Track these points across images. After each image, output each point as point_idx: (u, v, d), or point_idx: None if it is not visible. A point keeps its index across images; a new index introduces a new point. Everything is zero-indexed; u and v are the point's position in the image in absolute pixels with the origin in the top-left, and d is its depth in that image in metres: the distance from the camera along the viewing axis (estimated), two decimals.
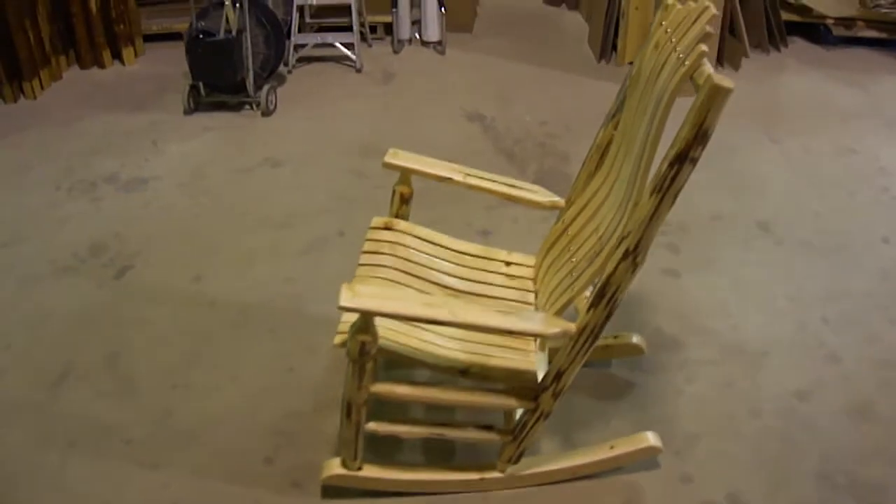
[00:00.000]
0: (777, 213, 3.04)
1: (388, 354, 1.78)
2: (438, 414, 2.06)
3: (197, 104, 3.91)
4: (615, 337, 2.34)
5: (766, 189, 3.20)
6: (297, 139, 3.69)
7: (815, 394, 2.26)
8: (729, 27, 4.02)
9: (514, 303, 2.07)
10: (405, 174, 2.17)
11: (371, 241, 2.15)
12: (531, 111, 3.81)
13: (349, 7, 4.25)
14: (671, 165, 1.43)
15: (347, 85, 4.21)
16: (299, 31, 4.44)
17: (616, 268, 1.57)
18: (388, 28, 4.56)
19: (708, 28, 1.52)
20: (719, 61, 4.05)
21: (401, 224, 2.19)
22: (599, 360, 2.37)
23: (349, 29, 4.27)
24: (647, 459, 2.04)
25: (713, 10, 1.57)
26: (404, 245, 2.14)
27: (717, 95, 1.36)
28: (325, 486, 2.00)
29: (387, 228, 2.18)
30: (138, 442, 2.18)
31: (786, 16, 4.26)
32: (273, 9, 4.02)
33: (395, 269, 2.07)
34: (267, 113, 3.87)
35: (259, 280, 2.78)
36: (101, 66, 4.46)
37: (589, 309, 1.64)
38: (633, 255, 1.54)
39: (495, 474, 1.98)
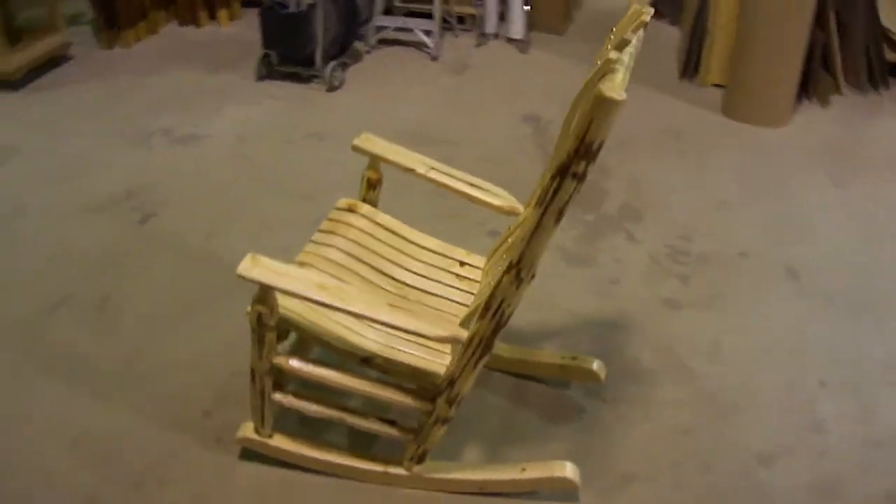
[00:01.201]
0: (811, 261, 2.79)
1: (291, 326, 1.77)
2: (351, 401, 2.02)
3: (269, 72, 4.03)
4: (573, 358, 2.23)
5: (809, 234, 2.95)
6: (351, 117, 3.73)
7: (780, 461, 2.06)
8: (823, 60, 3.71)
9: (454, 304, 2.02)
10: (374, 160, 2.15)
11: (330, 221, 2.14)
12: None
13: None
14: (552, 178, 1.34)
15: (419, 72, 4.22)
16: (387, 13, 4.49)
17: (500, 280, 1.49)
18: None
19: (628, 35, 1.41)
20: (805, 94, 3.76)
21: (364, 208, 2.17)
22: (556, 378, 2.27)
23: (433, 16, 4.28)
24: (565, 492, 1.93)
25: (646, 16, 1.46)
26: (361, 230, 2.12)
27: (601, 106, 1.25)
28: (245, 448, 2.03)
29: (350, 210, 2.17)
30: (100, 374, 2.29)
31: (892, 56, 3.88)
32: None
33: (345, 251, 2.05)
34: (331, 89, 3.94)
35: (267, 247, 2.83)
36: (197, 25, 4.68)
37: (478, 320, 1.57)
38: (516, 269, 1.46)
39: (400, 471, 1.94)
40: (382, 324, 1.60)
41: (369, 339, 1.80)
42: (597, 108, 1.25)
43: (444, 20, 4.48)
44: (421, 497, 1.95)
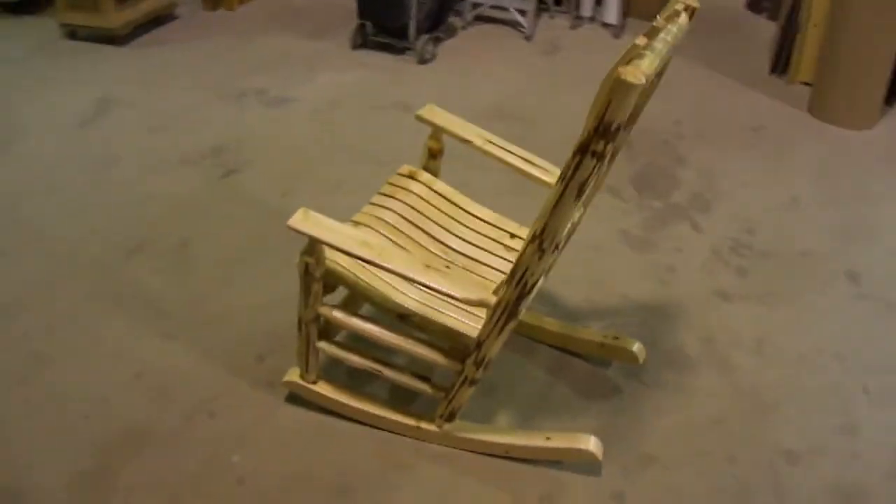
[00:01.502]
0: (874, 267, 2.73)
1: (336, 279, 1.89)
2: (392, 358, 2.12)
3: (364, 41, 4.17)
4: (615, 338, 2.27)
5: (877, 240, 2.87)
6: (438, 90, 3.83)
7: (807, 460, 2.06)
8: None
9: (498, 273, 2.09)
10: (435, 130, 2.23)
11: (390, 185, 2.25)
12: (674, 108, 3.66)
13: None
14: (574, 155, 1.39)
15: (511, 50, 4.27)
16: None
17: (524, 250, 1.56)
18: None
19: (659, 22, 1.43)
20: (893, 100, 3.62)
21: (424, 176, 2.27)
22: (597, 356, 2.32)
23: None
24: (589, 465, 1.99)
25: (681, 5, 1.49)
26: (418, 195, 2.22)
27: (618, 88, 1.30)
28: (291, 393, 2.17)
29: (410, 177, 2.27)
30: (168, 314, 2.48)
31: None
32: None
33: (401, 215, 2.15)
34: (422, 61, 4.04)
35: (336, 206, 2.94)
36: None
37: (504, 287, 1.65)
38: (538, 240, 1.52)
39: (431, 427, 2.04)
40: (417, 283, 1.70)
41: (410, 298, 1.90)
42: (615, 91, 1.30)
43: (541, 1, 4.51)
44: (449, 454, 2.04)
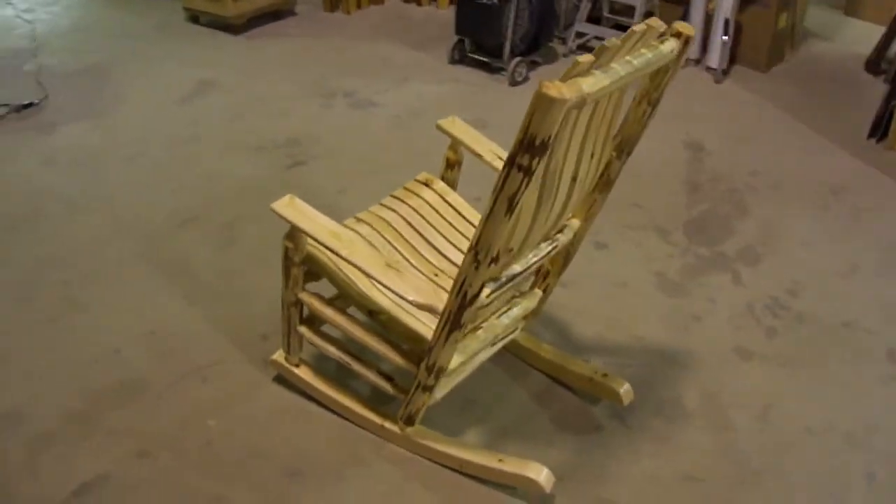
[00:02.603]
0: None
1: (316, 265, 1.96)
2: (365, 354, 2.13)
3: (461, 57, 4.25)
4: (605, 375, 2.21)
5: None
6: (519, 112, 3.81)
7: None
8: None
9: None
10: (454, 142, 2.27)
11: (404, 189, 2.30)
12: (754, 159, 3.50)
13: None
14: (503, 166, 1.40)
15: None
16: (594, 21, 4.52)
17: (463, 262, 1.57)
18: None
19: (610, 42, 1.40)
20: None
21: (438, 184, 2.31)
22: (585, 391, 2.27)
23: None
24: (541, 497, 1.95)
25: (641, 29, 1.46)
26: (428, 202, 2.26)
27: (539, 102, 1.29)
28: (280, 375, 2.26)
29: (425, 184, 2.31)
30: (197, 282, 2.64)
31: None
32: None
33: (404, 218, 2.20)
34: (513, 83, 4.07)
35: None
36: (419, 3, 5.04)
37: (449, 296, 1.66)
38: (474, 251, 1.53)
39: (394, 428, 2.07)
40: (374, 280, 1.74)
41: (385, 297, 1.94)
42: (536, 104, 1.30)
43: None
44: (407, 458, 2.06)
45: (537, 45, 4.17)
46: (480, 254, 1.52)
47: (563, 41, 4.50)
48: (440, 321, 1.70)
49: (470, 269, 1.56)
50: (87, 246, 2.81)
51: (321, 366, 2.25)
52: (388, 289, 1.71)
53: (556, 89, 1.27)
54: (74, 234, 2.86)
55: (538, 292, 2.16)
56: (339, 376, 2.24)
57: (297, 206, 1.85)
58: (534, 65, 4.26)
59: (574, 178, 1.64)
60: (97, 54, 4.33)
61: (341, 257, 1.77)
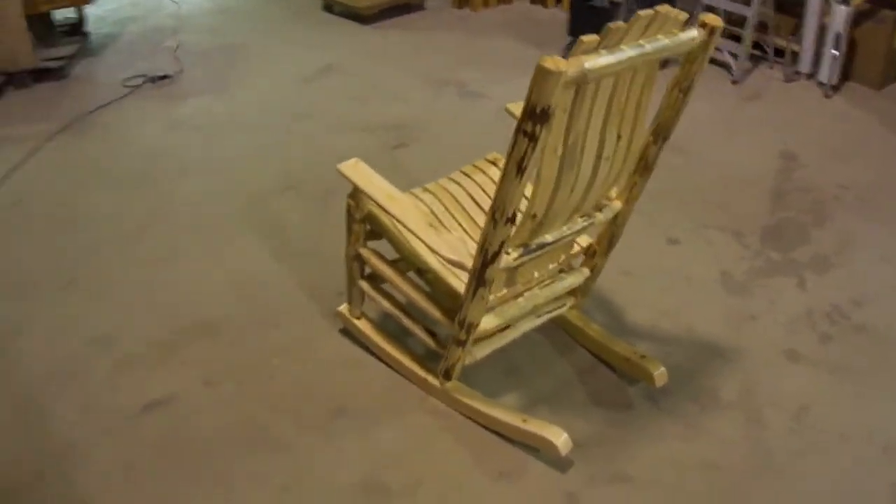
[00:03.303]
0: None
1: (375, 223, 2.17)
2: (415, 311, 2.27)
3: None
4: (642, 356, 2.31)
5: None
6: None
7: None
8: None
9: None
10: None
11: (473, 166, 2.48)
12: (847, 172, 3.44)
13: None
14: (514, 133, 1.55)
15: (711, 89, 4.21)
16: None
17: (486, 224, 1.73)
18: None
19: (618, 25, 1.52)
20: None
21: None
22: (623, 370, 2.36)
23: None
24: (559, 460, 2.07)
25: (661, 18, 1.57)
26: (492, 179, 2.42)
27: (538, 73, 1.43)
28: (344, 328, 2.50)
29: (493, 163, 2.48)
30: (288, 241, 2.93)
31: None
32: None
33: (467, 191, 2.37)
34: None
35: None
36: (545, 5, 5.21)
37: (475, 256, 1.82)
38: (493, 212, 1.69)
39: (434, 382, 2.25)
40: (415, 235, 1.92)
41: (432, 257, 2.12)
42: (536, 75, 1.45)
43: (761, 49, 4.41)
44: (444, 412, 2.24)
45: None
46: (497, 213, 1.68)
47: None
48: (469, 279, 1.87)
49: (489, 228, 1.72)
50: (194, 202, 3.16)
51: (381, 322, 2.47)
52: (424, 243, 1.89)
53: (553, 63, 1.42)
54: (184, 192, 3.22)
55: (585, 270, 2.28)
56: (396, 334, 2.44)
57: (361, 168, 2.07)
58: None
59: (599, 157, 1.77)
60: (234, 35, 4.77)
61: (391, 215, 1.97)
